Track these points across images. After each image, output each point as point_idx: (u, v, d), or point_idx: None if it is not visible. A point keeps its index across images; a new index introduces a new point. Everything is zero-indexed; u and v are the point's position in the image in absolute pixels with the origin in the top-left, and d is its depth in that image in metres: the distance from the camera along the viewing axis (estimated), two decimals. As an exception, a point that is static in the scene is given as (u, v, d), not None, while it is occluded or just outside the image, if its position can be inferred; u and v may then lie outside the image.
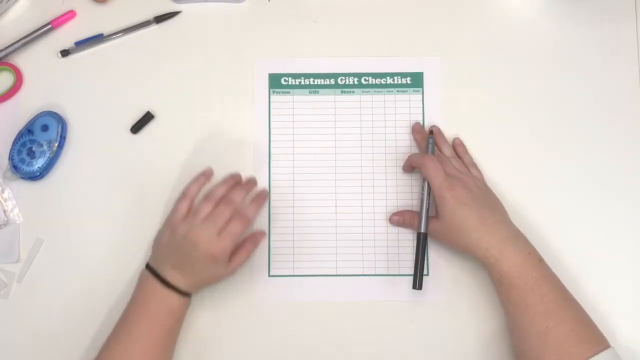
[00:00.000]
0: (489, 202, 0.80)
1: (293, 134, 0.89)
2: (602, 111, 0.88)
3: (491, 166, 0.87)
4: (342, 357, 0.84)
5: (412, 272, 0.83)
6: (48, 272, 0.86)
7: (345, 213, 0.87)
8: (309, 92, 0.90)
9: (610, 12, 0.90)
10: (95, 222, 0.87)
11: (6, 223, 0.87)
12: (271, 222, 0.87)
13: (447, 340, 0.84)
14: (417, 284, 0.81)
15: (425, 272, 0.85)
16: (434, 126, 0.87)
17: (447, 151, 0.85)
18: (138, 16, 0.90)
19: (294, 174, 0.88)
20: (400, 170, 0.88)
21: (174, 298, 0.77)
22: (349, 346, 0.84)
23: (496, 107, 0.88)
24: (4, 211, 0.87)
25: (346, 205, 0.87)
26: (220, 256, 0.76)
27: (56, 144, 0.86)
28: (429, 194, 0.82)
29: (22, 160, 0.86)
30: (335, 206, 0.87)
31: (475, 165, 0.85)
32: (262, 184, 0.87)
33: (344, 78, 0.90)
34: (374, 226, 0.87)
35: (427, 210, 0.82)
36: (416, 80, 0.89)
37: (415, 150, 0.88)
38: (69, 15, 0.90)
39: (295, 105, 0.89)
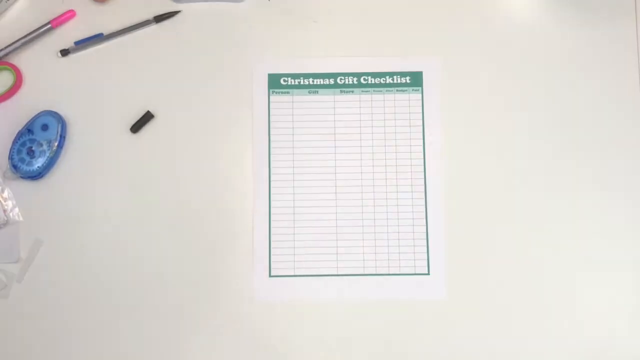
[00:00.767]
0: None
1: (293, 134, 0.89)
2: (602, 111, 0.88)
3: (490, 166, 0.87)
4: (342, 356, 0.84)
5: (412, 272, 0.84)
6: (48, 272, 0.86)
7: (345, 213, 0.87)
8: (309, 92, 0.90)
9: (610, 12, 0.90)
10: (95, 222, 0.87)
11: (6, 223, 0.87)
12: (271, 222, 0.87)
13: (447, 340, 0.84)
14: None
15: (425, 271, 0.85)
16: None
17: None
18: (138, 16, 0.90)
19: (293, 174, 0.88)
20: (400, 169, 0.88)
21: None
22: (349, 346, 0.84)
23: (495, 107, 0.88)
24: (4, 211, 0.87)
25: (346, 204, 0.87)
26: None
27: (56, 144, 0.86)
28: None
29: (22, 160, 0.86)
30: (336, 206, 0.87)
31: None
32: (262, 183, 0.87)
33: (343, 78, 0.90)
34: (375, 226, 0.87)
35: None
36: (415, 80, 0.90)
37: (415, 150, 0.88)
38: (69, 14, 0.90)
39: (295, 105, 0.89)
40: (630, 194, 0.87)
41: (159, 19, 0.90)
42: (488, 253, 0.85)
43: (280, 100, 0.89)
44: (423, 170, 0.88)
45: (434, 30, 0.91)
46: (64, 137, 0.88)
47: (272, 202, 0.87)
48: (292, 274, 0.86)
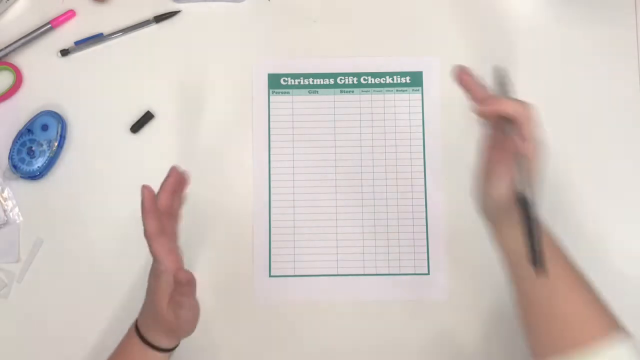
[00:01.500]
0: None
1: (293, 134, 0.89)
2: (602, 111, 0.88)
3: (491, 166, 0.87)
4: (342, 356, 0.84)
5: (412, 272, 0.84)
6: (48, 272, 0.86)
7: (345, 213, 0.87)
8: (309, 92, 0.90)
9: (610, 12, 0.90)
10: (95, 221, 0.87)
11: (6, 223, 0.87)
12: (271, 222, 0.87)
13: (447, 340, 0.84)
14: (539, 266, 0.62)
15: (425, 271, 0.85)
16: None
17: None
18: (138, 16, 0.90)
19: (294, 174, 0.88)
20: (400, 169, 0.88)
21: (159, 356, 0.74)
22: (349, 346, 0.84)
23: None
24: (4, 211, 0.87)
25: (346, 204, 0.87)
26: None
27: (56, 144, 0.86)
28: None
29: (22, 160, 0.86)
30: (336, 206, 0.87)
31: None
32: (261, 183, 0.87)
33: (343, 78, 0.90)
34: (375, 225, 0.87)
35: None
36: (415, 80, 0.90)
37: (415, 150, 0.88)
38: (69, 14, 0.90)
39: (295, 105, 0.89)
40: (630, 193, 0.87)
41: (159, 19, 0.90)
42: (488, 253, 0.85)
43: (280, 100, 0.89)
44: (423, 170, 0.88)
45: (434, 30, 0.91)
46: (64, 137, 0.88)
47: (272, 202, 0.87)
48: (292, 274, 0.86)
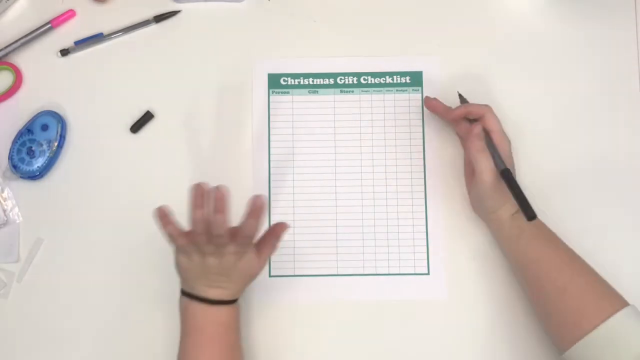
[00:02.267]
0: None
1: (293, 134, 0.89)
2: (602, 111, 0.88)
3: (491, 166, 0.87)
4: (342, 357, 0.84)
5: (412, 272, 0.84)
6: (48, 272, 0.86)
7: (345, 212, 0.87)
8: (309, 92, 0.90)
9: (610, 12, 0.90)
10: (95, 221, 0.87)
11: (6, 223, 0.87)
12: (271, 222, 0.87)
13: (447, 340, 0.84)
14: (531, 213, 0.75)
15: (425, 271, 0.85)
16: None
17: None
18: (138, 15, 0.90)
19: (293, 173, 0.88)
20: (400, 169, 0.88)
21: (224, 311, 0.76)
22: (349, 346, 0.84)
23: (495, 106, 0.88)
24: (4, 211, 0.87)
25: (346, 204, 0.87)
26: (259, 272, 0.77)
27: (56, 144, 0.86)
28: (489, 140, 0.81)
29: (22, 160, 0.86)
30: (336, 206, 0.87)
31: None
32: (262, 183, 0.87)
33: (343, 78, 0.90)
34: (375, 225, 0.87)
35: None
36: (415, 80, 0.90)
37: (415, 150, 0.88)
38: (69, 14, 0.90)
39: (295, 105, 0.89)
40: (630, 193, 0.87)
41: (159, 19, 0.90)
42: (488, 253, 0.85)
43: (280, 100, 0.89)
44: (423, 169, 0.88)
45: (434, 30, 0.91)
46: (64, 137, 0.88)
47: (272, 202, 0.87)
48: (292, 274, 0.86)
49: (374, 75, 0.90)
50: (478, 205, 0.83)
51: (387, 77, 0.90)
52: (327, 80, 0.90)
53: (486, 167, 0.78)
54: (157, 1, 0.91)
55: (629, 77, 0.89)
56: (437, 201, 0.87)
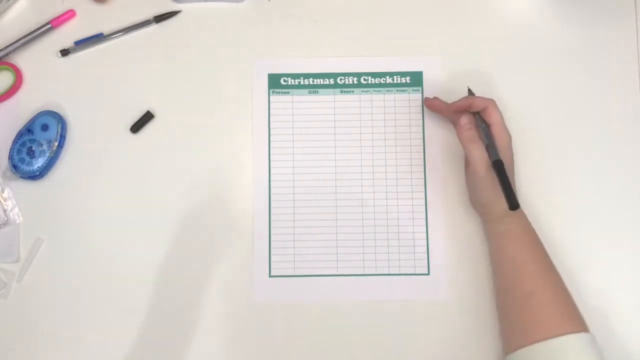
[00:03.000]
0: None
1: (293, 134, 0.89)
2: (602, 111, 0.88)
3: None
4: (342, 357, 0.84)
5: (412, 272, 0.84)
6: (48, 272, 0.86)
7: (345, 212, 0.87)
8: (309, 92, 0.90)
9: (610, 12, 0.90)
10: (95, 221, 0.87)
11: (6, 223, 0.87)
12: (271, 222, 0.87)
13: (447, 340, 0.84)
14: (514, 202, 0.76)
15: (425, 271, 0.85)
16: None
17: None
18: (138, 16, 0.90)
19: (293, 174, 0.88)
20: (400, 169, 0.88)
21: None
22: (349, 346, 0.84)
23: (496, 107, 0.88)
24: (4, 211, 0.87)
25: (346, 204, 0.87)
26: None
27: (56, 144, 0.86)
28: (489, 132, 0.82)
29: (22, 160, 0.86)
30: (336, 206, 0.87)
31: None
32: (261, 184, 0.87)
33: (343, 78, 0.90)
34: (375, 225, 0.87)
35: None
36: (415, 80, 0.90)
37: (415, 150, 0.88)
38: (69, 14, 0.90)
39: (295, 106, 0.89)
40: (630, 193, 0.87)
41: (159, 19, 0.90)
42: (488, 253, 0.85)
43: (280, 100, 0.89)
44: (423, 169, 0.88)
45: (434, 30, 0.91)
46: (64, 137, 0.88)
47: (272, 202, 0.87)
48: (292, 274, 0.86)
49: (374, 75, 0.90)
50: (474, 198, 0.84)
51: (387, 77, 0.90)
52: (327, 80, 0.90)
53: (477, 158, 0.79)
54: (157, 1, 0.91)
55: (629, 77, 0.89)
56: (437, 201, 0.87)
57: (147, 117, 0.88)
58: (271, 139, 0.89)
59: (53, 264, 0.86)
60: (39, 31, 0.90)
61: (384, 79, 0.90)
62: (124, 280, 0.85)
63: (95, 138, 0.89)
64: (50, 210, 0.87)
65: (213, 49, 0.90)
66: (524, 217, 0.81)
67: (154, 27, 0.91)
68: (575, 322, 0.74)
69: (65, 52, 0.90)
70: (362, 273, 0.86)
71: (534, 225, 0.81)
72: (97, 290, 0.86)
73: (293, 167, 0.88)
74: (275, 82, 0.90)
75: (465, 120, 0.81)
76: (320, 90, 0.90)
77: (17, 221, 0.87)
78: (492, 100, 0.82)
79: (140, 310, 0.85)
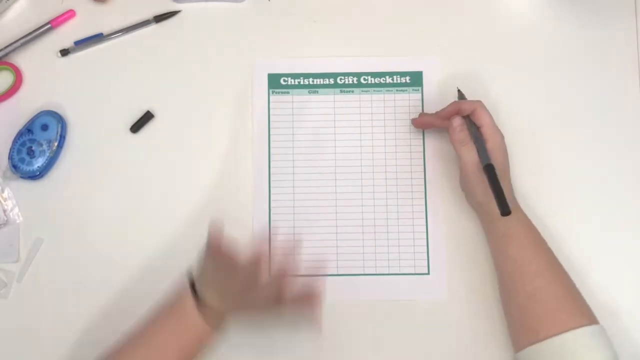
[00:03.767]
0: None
1: (293, 134, 0.89)
2: (602, 111, 0.88)
3: (491, 166, 0.87)
4: (342, 356, 0.84)
5: (412, 271, 0.84)
6: (48, 272, 0.86)
7: (345, 212, 0.87)
8: (309, 92, 0.90)
9: (610, 12, 0.90)
10: (95, 221, 0.87)
11: (6, 222, 0.87)
12: (271, 222, 0.87)
13: (447, 340, 0.84)
14: (505, 209, 0.74)
15: (425, 271, 0.85)
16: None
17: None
18: (138, 16, 0.90)
19: (293, 174, 0.88)
20: (400, 169, 0.88)
21: (204, 327, 0.74)
22: (349, 346, 0.84)
23: (495, 106, 0.88)
24: (4, 211, 0.87)
25: (346, 204, 0.87)
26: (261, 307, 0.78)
27: (56, 144, 0.86)
28: (479, 134, 0.81)
29: (22, 160, 0.86)
30: (336, 206, 0.87)
31: None
32: (262, 184, 0.87)
33: (343, 78, 0.90)
34: (375, 225, 0.87)
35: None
36: (415, 80, 0.90)
37: (415, 150, 0.88)
38: (69, 14, 0.90)
39: (295, 105, 0.89)
40: (630, 193, 0.87)
41: (159, 19, 0.90)
42: (488, 253, 0.85)
43: (280, 100, 0.89)
44: (423, 169, 0.88)
45: (434, 30, 0.91)
46: (64, 137, 0.88)
47: (272, 202, 0.87)
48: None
49: (374, 75, 0.90)
50: (470, 199, 0.84)
51: (387, 77, 0.90)
52: (327, 80, 0.90)
53: (467, 160, 0.79)
54: (157, 1, 0.91)
55: (629, 77, 0.89)
56: (437, 201, 0.87)
57: (147, 117, 0.88)
58: (271, 139, 0.89)
59: (53, 264, 0.86)
60: (39, 31, 0.90)
61: (384, 79, 0.90)
62: (124, 280, 0.85)
63: (95, 138, 0.89)
64: (50, 210, 0.87)
65: (213, 49, 0.90)
66: (523, 216, 0.80)
67: (153, 27, 0.91)
68: (579, 316, 0.74)
69: (65, 52, 0.90)
70: (362, 273, 0.86)
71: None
72: (96, 291, 0.85)
73: (293, 167, 0.88)
74: (275, 82, 0.90)
75: (456, 122, 0.81)
76: (320, 90, 0.90)
77: (17, 221, 0.87)
78: (479, 102, 0.82)
79: (140, 310, 0.85)
